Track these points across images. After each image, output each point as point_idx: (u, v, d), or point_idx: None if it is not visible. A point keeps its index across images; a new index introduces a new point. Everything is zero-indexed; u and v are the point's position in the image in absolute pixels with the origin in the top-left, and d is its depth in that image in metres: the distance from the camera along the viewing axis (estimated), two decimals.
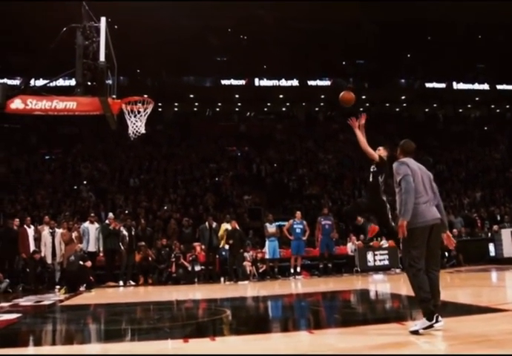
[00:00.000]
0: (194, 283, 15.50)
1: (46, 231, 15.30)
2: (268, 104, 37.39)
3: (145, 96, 9.72)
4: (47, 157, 27.80)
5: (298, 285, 14.76)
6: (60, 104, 8.65)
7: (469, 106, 38.81)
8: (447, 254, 16.86)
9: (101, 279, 15.21)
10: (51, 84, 9.98)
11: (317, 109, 37.73)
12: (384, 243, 17.78)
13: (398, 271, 16.23)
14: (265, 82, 33.91)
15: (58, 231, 15.33)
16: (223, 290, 13.78)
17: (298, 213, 16.74)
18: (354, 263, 17.15)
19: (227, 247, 15.82)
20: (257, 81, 33.76)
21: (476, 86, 35.46)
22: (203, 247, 16.54)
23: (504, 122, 36.76)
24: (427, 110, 38.88)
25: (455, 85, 35.40)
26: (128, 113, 9.05)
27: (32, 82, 10.56)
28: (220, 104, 36.86)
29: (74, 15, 8.58)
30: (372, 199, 7.27)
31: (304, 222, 16.65)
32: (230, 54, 34.21)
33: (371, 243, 18.08)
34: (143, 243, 16.22)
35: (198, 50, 31.26)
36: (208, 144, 30.02)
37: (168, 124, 33.11)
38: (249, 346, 5.49)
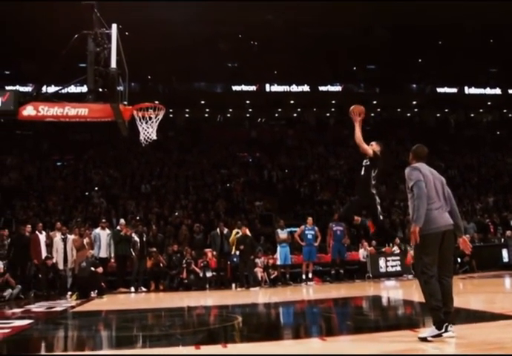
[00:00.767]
0: (205, 289, 15.49)
1: (58, 237, 15.38)
2: (279, 109, 37.40)
3: (156, 102, 9.74)
4: (58, 163, 27.93)
5: (310, 291, 14.70)
6: (72, 110, 8.67)
7: (481, 111, 38.62)
8: (459, 259, 16.76)
9: (112, 285, 15.26)
10: (63, 91, 10.00)
11: (328, 114, 37.63)
12: (396, 249, 17.71)
13: (410, 277, 16.13)
14: (276, 88, 33.92)
15: (70, 237, 15.40)
16: (235, 296, 13.73)
17: (310, 219, 16.68)
18: (366, 269, 17.08)
19: (238, 253, 15.81)
20: (267, 87, 33.83)
21: (488, 90, 35.32)
22: (214, 253, 16.55)
23: None
24: (438, 115, 38.71)
25: (467, 90, 35.29)
26: (140, 120, 9.05)
27: (44, 89, 10.67)
28: (230, 110, 36.98)
29: (85, 22, 8.61)
30: (362, 192, 7.31)
31: (316, 228, 16.59)
32: (241, 60, 34.30)
33: (383, 249, 18.01)
34: (154, 249, 16.26)
35: (209, 56, 31.42)
36: (219, 150, 30.02)
37: (179, 131, 33.14)
38: (261, 353, 5.45)
